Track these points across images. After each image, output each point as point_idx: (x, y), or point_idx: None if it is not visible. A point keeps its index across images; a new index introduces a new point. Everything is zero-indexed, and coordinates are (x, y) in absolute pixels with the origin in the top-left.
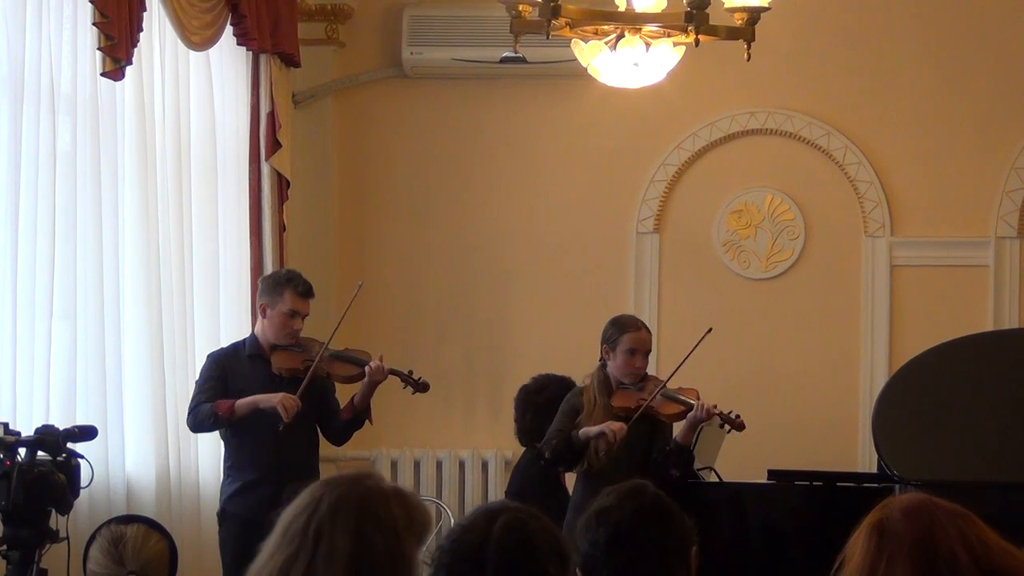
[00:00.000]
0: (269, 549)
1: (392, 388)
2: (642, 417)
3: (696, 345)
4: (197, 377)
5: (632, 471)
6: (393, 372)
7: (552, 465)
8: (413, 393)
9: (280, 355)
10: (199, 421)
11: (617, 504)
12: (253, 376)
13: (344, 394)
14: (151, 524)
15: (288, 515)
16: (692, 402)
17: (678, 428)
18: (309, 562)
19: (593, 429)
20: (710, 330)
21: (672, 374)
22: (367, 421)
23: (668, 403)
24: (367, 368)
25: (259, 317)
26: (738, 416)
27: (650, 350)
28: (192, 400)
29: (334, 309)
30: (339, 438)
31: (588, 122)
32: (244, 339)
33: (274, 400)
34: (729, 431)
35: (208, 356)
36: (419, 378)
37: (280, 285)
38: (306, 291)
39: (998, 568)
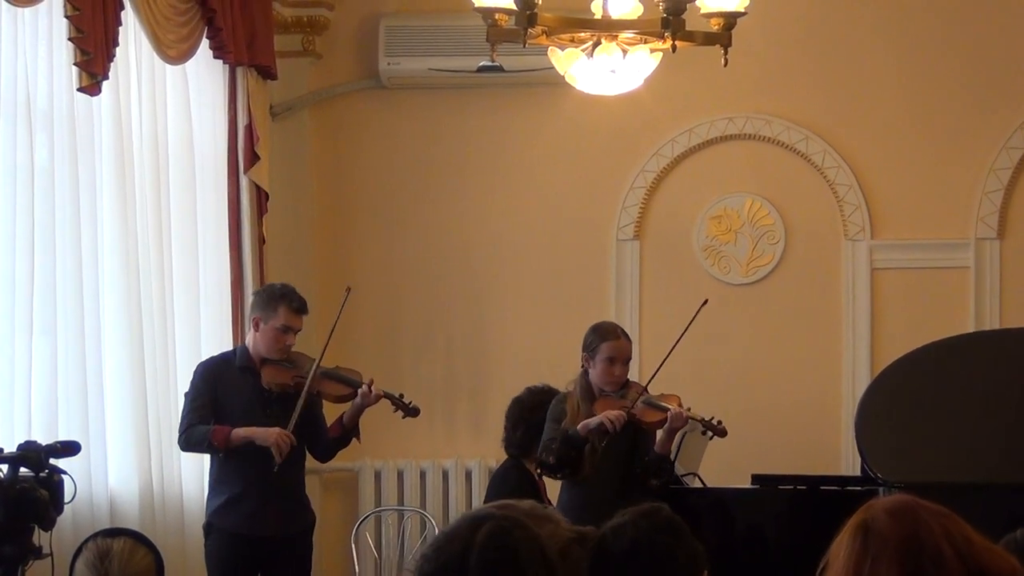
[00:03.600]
0: None
1: (378, 404)
2: (624, 425)
3: (693, 318)
4: (186, 388)
5: (614, 480)
6: (385, 395)
7: (556, 470)
8: (404, 417)
9: (270, 369)
10: (192, 444)
11: (633, 521)
12: (242, 389)
13: (331, 411)
14: (137, 538)
15: None
16: (673, 408)
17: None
18: None
19: (593, 421)
20: (706, 302)
21: (672, 348)
22: (356, 439)
23: (650, 410)
24: (359, 392)
25: (250, 329)
26: (720, 423)
27: (630, 358)
28: (183, 419)
29: (315, 320)
30: (326, 455)
31: (566, 130)
32: (235, 349)
33: (270, 440)
34: (712, 438)
35: (198, 366)
36: (410, 402)
37: (275, 300)
38: (300, 307)
39: (983, 565)
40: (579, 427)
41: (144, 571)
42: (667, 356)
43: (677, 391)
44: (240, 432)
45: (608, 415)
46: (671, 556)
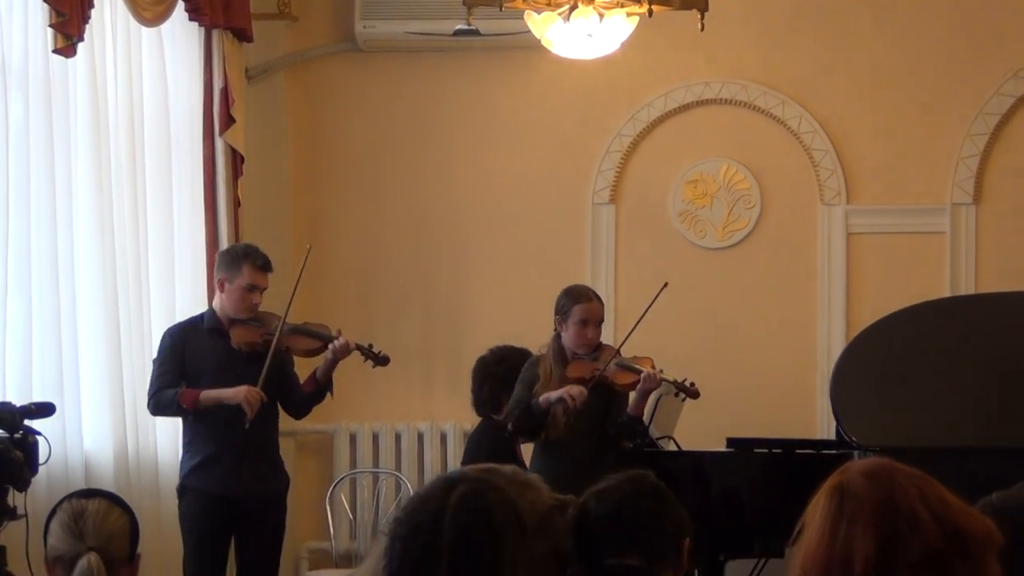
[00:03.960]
0: None
1: (351, 362)
2: (598, 386)
3: (653, 300)
4: (154, 354)
5: (589, 441)
6: (356, 347)
7: (516, 435)
8: (374, 367)
9: (239, 329)
10: (161, 407)
11: (617, 485)
12: (212, 351)
13: (303, 367)
14: (112, 499)
15: None
16: (645, 370)
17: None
18: None
19: (553, 394)
20: (666, 284)
21: (630, 333)
22: (329, 394)
23: (622, 372)
24: (331, 345)
25: (217, 291)
26: (692, 384)
27: (602, 320)
28: (152, 383)
29: (290, 283)
30: (300, 411)
31: (543, 94)
32: (202, 313)
33: (239, 396)
34: (684, 399)
35: (165, 332)
36: (379, 352)
37: (238, 259)
38: (264, 265)
39: (959, 527)
40: (541, 399)
41: (119, 532)
42: (631, 331)
43: (652, 355)
44: (209, 394)
45: (570, 390)
46: (656, 523)
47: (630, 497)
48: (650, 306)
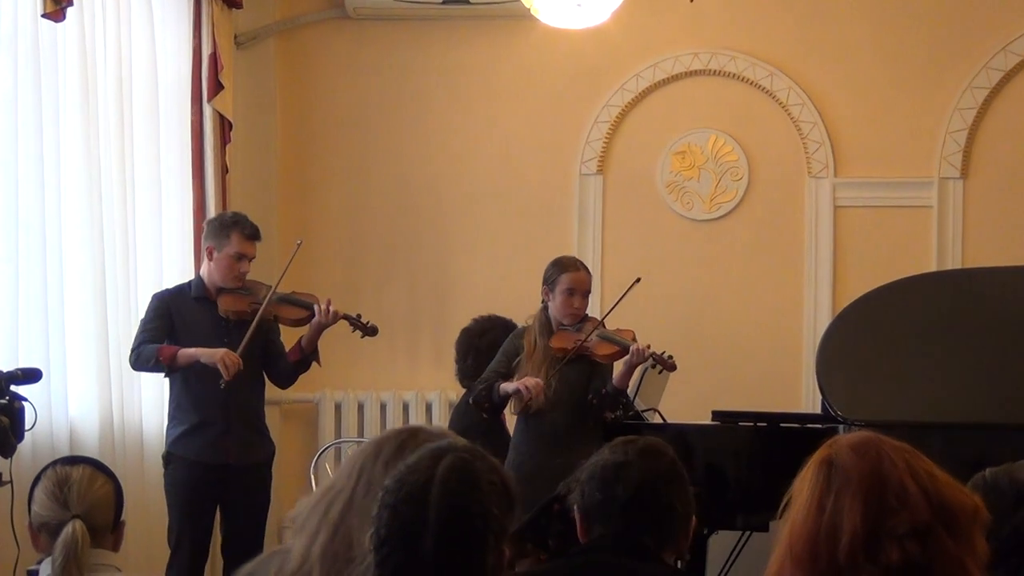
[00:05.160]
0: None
1: (337, 331)
2: (579, 358)
3: (623, 295)
4: (142, 316)
5: (570, 412)
6: (343, 316)
7: (477, 408)
8: (362, 337)
9: (227, 298)
10: (141, 361)
11: (636, 462)
12: (199, 319)
13: (289, 337)
14: (97, 466)
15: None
16: (628, 343)
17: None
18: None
19: (511, 385)
20: (638, 280)
21: (603, 318)
22: (316, 363)
23: (604, 344)
24: (317, 312)
25: (204, 259)
26: (670, 357)
27: (589, 291)
28: (136, 338)
29: (277, 251)
30: (285, 380)
31: (531, 63)
32: (189, 281)
33: (216, 356)
34: (661, 372)
35: (153, 296)
36: (367, 322)
37: (226, 228)
38: (253, 234)
39: (946, 500)
40: (501, 387)
41: (103, 499)
42: (605, 315)
43: (638, 327)
44: (187, 351)
45: (526, 382)
46: (671, 506)
47: (651, 480)
48: (620, 299)
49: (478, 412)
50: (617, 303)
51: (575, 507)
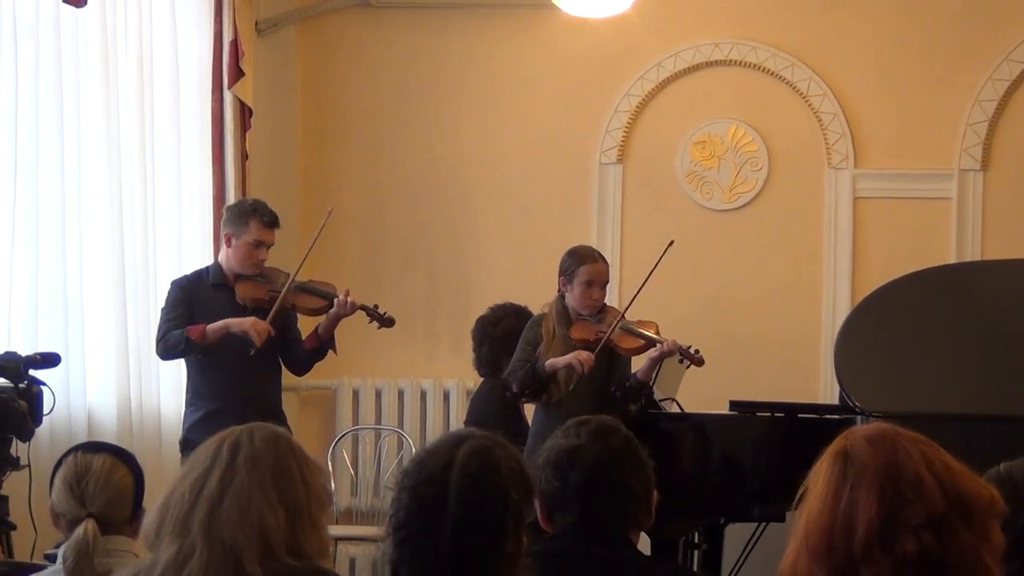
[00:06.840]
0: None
1: (355, 319)
2: (601, 349)
3: (659, 260)
4: (162, 305)
5: (591, 403)
6: (360, 307)
7: (518, 396)
8: (379, 328)
9: (244, 285)
10: (169, 348)
11: (589, 444)
12: (217, 305)
13: (306, 325)
14: (118, 454)
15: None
16: (652, 336)
17: (638, 361)
18: (226, 468)
19: (561, 360)
20: (672, 243)
21: (636, 293)
22: (332, 351)
23: (628, 337)
24: (335, 302)
25: (223, 246)
26: (697, 351)
27: (607, 282)
28: (160, 328)
29: (297, 238)
30: (302, 368)
31: (552, 52)
32: (207, 267)
33: (246, 324)
34: (688, 366)
35: (172, 283)
36: (385, 313)
37: (246, 215)
38: (272, 221)
39: (962, 491)
40: (547, 364)
41: (122, 492)
42: (638, 292)
43: (657, 317)
44: (216, 324)
45: (579, 355)
46: (630, 491)
47: (604, 462)
48: (656, 265)
49: (516, 399)
50: (653, 269)
51: (535, 496)
